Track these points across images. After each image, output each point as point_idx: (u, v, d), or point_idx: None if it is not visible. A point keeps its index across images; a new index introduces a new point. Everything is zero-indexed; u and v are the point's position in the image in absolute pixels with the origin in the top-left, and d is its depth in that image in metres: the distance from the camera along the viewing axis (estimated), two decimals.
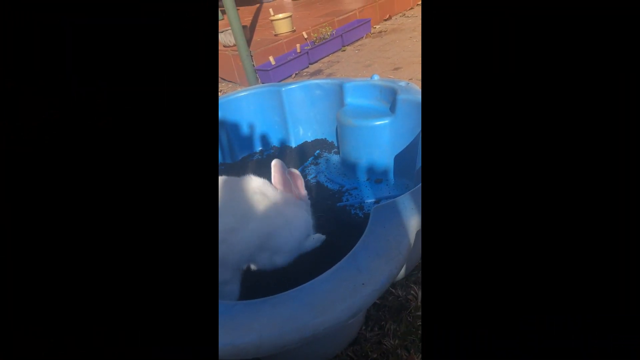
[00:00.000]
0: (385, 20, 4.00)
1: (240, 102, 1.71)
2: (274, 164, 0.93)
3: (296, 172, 0.95)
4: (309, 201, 1.00)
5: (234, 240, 0.79)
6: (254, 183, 0.91)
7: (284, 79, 2.79)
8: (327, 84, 1.58)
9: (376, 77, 1.42)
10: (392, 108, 1.26)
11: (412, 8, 4.29)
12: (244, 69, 2.74)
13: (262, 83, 2.72)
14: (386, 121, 1.24)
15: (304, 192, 0.98)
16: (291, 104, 1.69)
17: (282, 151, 1.75)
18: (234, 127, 1.74)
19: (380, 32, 3.58)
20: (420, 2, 4.14)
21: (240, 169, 1.64)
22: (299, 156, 1.68)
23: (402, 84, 1.29)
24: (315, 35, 3.11)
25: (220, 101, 1.69)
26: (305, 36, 3.07)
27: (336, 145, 1.67)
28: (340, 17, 3.47)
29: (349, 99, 1.47)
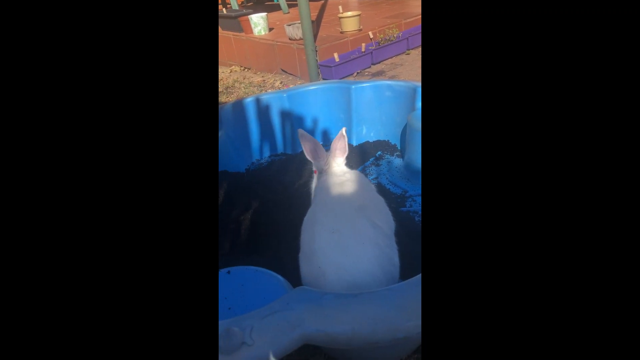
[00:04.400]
0: None
1: (308, 96, 1.73)
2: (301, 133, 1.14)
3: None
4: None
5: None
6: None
7: (345, 76, 2.79)
8: (400, 86, 1.55)
9: None
10: None
11: None
12: (307, 63, 2.77)
13: (324, 79, 2.75)
14: None
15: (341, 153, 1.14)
16: (358, 102, 1.68)
17: None
18: (299, 120, 1.77)
19: None
20: None
21: (300, 162, 1.67)
22: (360, 155, 1.68)
23: None
24: (381, 35, 3.08)
25: (288, 93, 1.72)
26: (371, 36, 3.05)
27: (399, 148, 1.64)
28: (408, 20, 3.40)
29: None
